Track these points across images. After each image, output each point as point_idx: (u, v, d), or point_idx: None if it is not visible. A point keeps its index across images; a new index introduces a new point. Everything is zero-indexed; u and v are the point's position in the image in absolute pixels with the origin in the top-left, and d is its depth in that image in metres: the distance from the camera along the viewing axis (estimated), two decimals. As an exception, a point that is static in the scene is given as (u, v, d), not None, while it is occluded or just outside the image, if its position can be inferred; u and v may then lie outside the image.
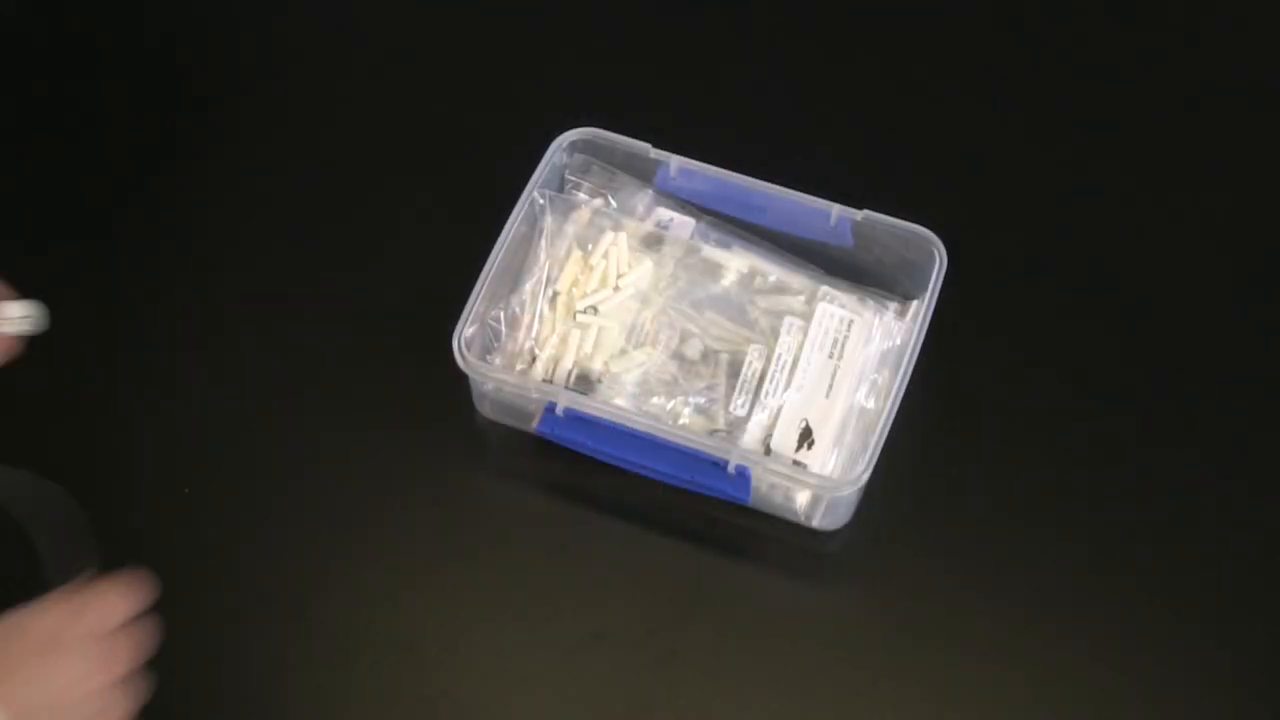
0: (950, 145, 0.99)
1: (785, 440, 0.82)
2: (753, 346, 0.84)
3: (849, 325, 0.84)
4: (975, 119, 1.00)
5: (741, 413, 0.83)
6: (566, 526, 0.85)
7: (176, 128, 0.99)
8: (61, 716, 0.63)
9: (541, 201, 0.86)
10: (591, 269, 0.86)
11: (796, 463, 0.81)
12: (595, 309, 0.85)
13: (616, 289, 0.85)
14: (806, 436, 0.82)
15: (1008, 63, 1.03)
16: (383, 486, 0.85)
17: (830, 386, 0.83)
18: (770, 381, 0.83)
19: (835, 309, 0.84)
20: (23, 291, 0.74)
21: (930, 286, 0.83)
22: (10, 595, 0.64)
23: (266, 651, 0.80)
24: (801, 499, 0.82)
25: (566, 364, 0.84)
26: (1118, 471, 0.85)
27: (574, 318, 0.84)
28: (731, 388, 0.83)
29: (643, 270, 0.86)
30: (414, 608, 0.81)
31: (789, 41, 1.04)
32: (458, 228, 0.83)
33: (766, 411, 0.82)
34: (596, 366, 0.84)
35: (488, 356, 0.84)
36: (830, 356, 0.83)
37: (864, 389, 0.83)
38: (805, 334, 0.84)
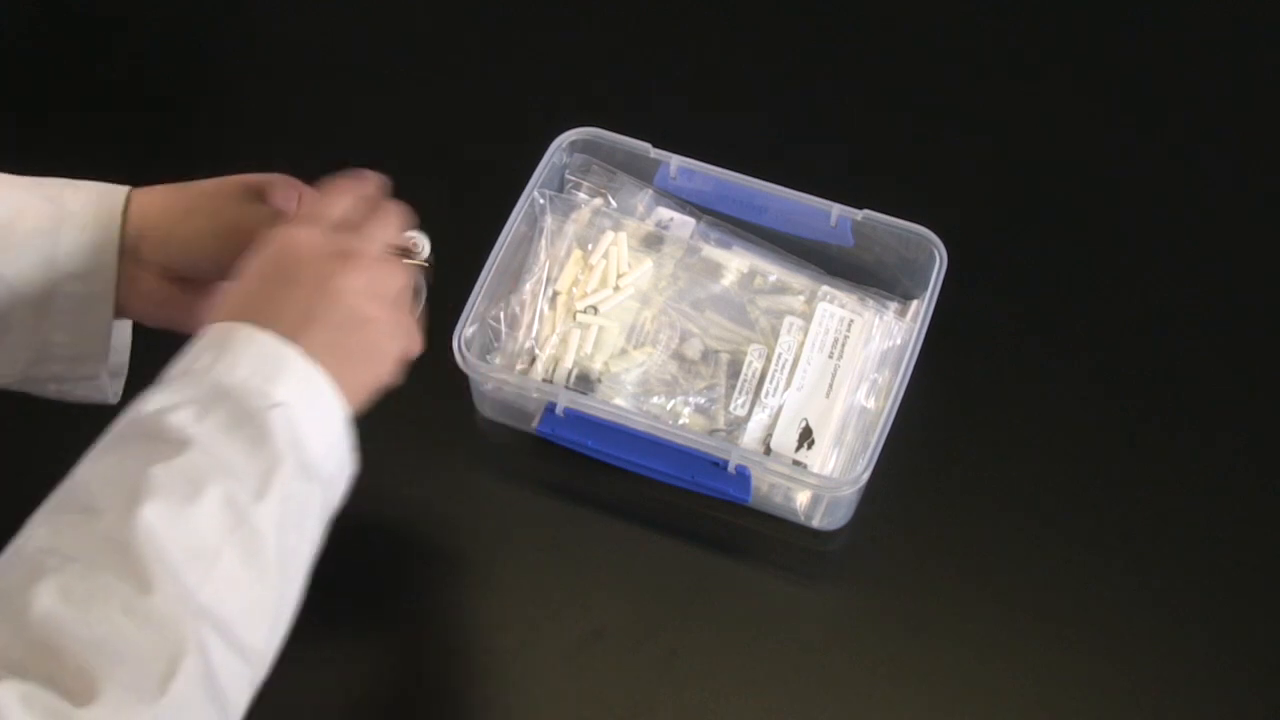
0: (951, 145, 0.99)
1: (785, 440, 0.82)
2: (753, 346, 0.84)
3: (849, 325, 0.84)
4: (975, 119, 1.00)
5: (741, 413, 0.83)
6: (566, 526, 0.85)
7: (176, 129, 0.99)
8: (358, 338, 0.62)
9: (541, 201, 0.86)
10: (591, 269, 0.86)
11: (796, 463, 0.81)
12: (595, 309, 0.85)
13: (617, 289, 0.85)
14: (806, 436, 0.82)
15: (1008, 63, 1.03)
16: (383, 486, 0.85)
17: (830, 386, 0.83)
18: (770, 381, 0.83)
19: (835, 309, 0.84)
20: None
21: (930, 286, 0.83)
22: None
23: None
24: (801, 499, 0.82)
25: (566, 364, 0.84)
26: (1118, 471, 0.85)
27: (574, 318, 0.84)
28: (731, 388, 0.83)
29: (643, 270, 0.86)
30: (413, 607, 0.81)
31: (789, 42, 1.04)
32: (458, 228, 0.83)
33: (766, 411, 0.82)
34: (596, 366, 0.84)
35: (488, 356, 0.84)
36: (830, 356, 0.83)
37: (864, 389, 0.83)
38: (805, 334, 0.84)
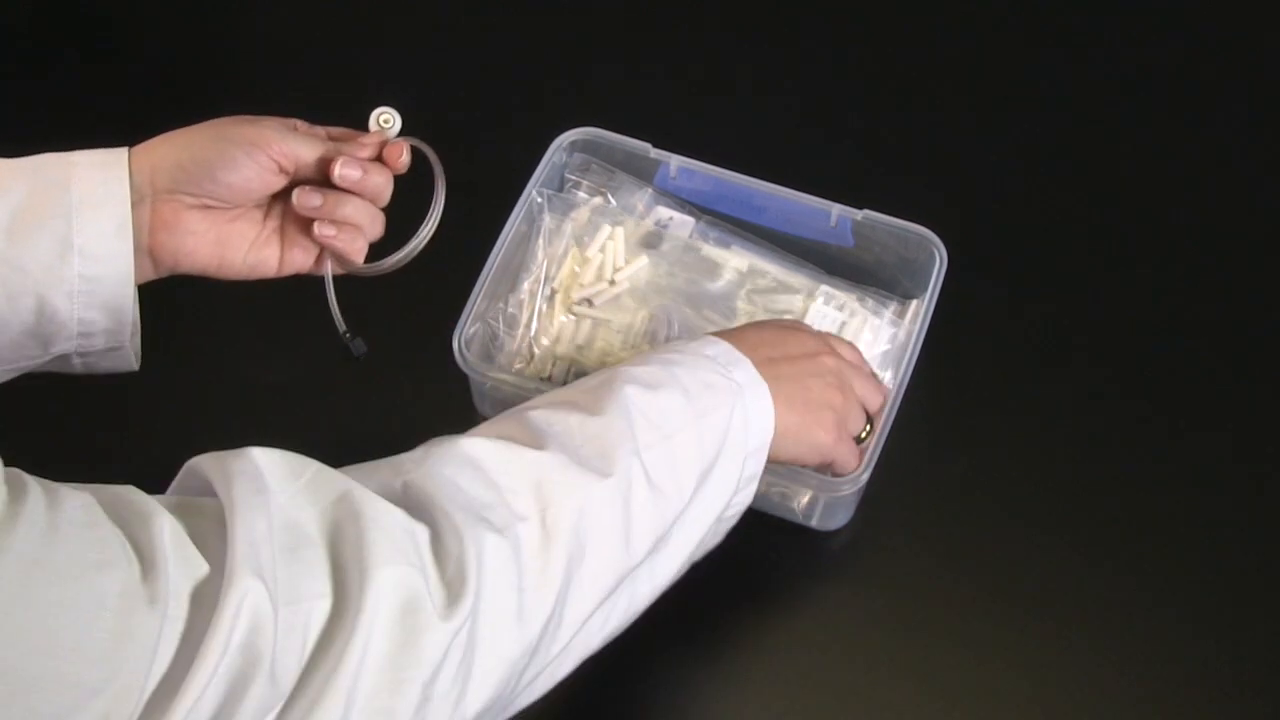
0: (951, 145, 0.99)
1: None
2: (752, 346, 0.84)
3: (841, 327, 0.84)
4: (976, 119, 1.00)
5: (741, 412, 0.83)
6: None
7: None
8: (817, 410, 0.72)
9: (540, 200, 0.86)
10: (588, 261, 0.86)
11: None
12: (590, 301, 0.85)
13: (612, 283, 0.85)
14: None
15: (1008, 63, 1.03)
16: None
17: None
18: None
19: (830, 309, 0.84)
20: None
21: (931, 286, 0.83)
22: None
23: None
24: (800, 499, 0.82)
25: (565, 362, 0.83)
26: (1118, 471, 0.85)
27: (570, 310, 0.84)
28: (731, 387, 0.83)
29: (638, 265, 0.86)
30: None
31: (790, 42, 1.04)
32: (458, 228, 0.83)
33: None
34: (595, 365, 0.84)
35: (488, 356, 0.84)
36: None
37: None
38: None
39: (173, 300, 0.92)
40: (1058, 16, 1.05)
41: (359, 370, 0.89)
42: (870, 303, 0.85)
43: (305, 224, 0.71)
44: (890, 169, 0.97)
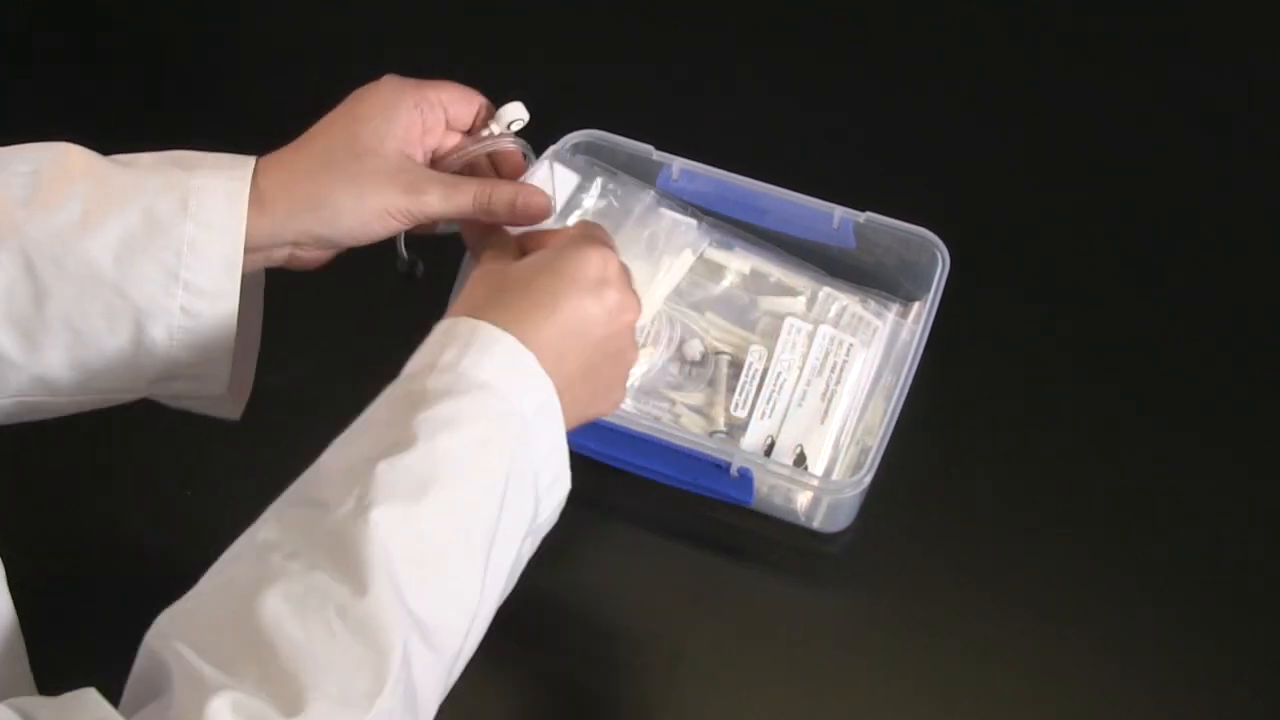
0: (954, 148, 0.99)
1: (787, 441, 0.82)
2: (753, 348, 0.84)
3: (849, 349, 0.84)
4: (979, 121, 1.00)
5: (742, 414, 0.83)
6: (567, 529, 0.84)
7: (176, 127, 0.98)
8: (588, 354, 0.63)
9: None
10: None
11: (797, 464, 0.81)
12: None
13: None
14: (808, 438, 0.82)
15: (1009, 65, 1.03)
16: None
17: (832, 388, 0.83)
18: (771, 382, 0.83)
19: (837, 332, 0.84)
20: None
21: (933, 288, 0.83)
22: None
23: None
24: (802, 500, 0.82)
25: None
26: (1119, 472, 0.85)
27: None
28: (732, 389, 0.83)
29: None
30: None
31: (791, 44, 1.04)
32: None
33: (767, 413, 0.82)
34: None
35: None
36: (831, 357, 0.83)
37: (866, 390, 0.83)
38: (806, 335, 0.84)
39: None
40: (1060, 18, 1.05)
41: (359, 374, 0.89)
42: (872, 305, 0.86)
43: None
44: (893, 171, 0.97)
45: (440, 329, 0.61)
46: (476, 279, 0.65)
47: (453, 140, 0.72)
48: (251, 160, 0.65)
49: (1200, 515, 0.84)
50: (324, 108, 0.72)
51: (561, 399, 0.61)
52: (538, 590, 0.82)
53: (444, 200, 0.67)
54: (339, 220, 0.65)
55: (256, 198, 0.64)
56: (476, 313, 0.61)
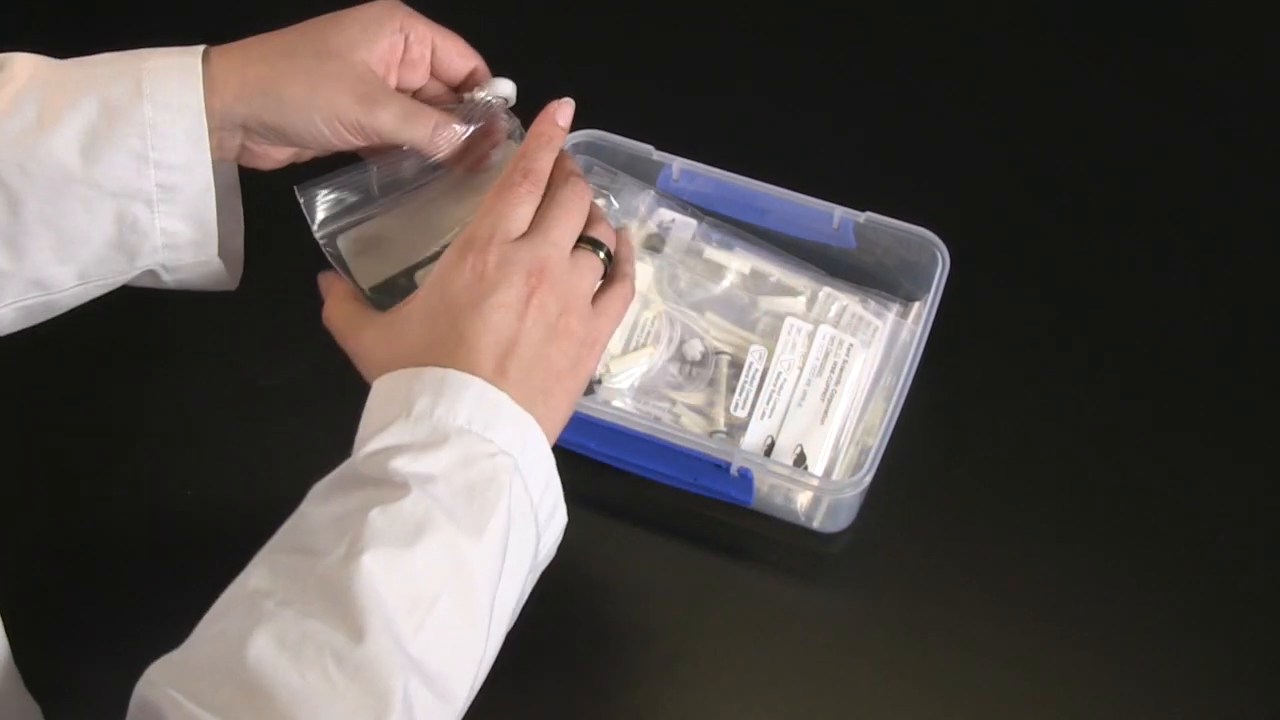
0: (953, 147, 0.99)
1: (787, 441, 0.82)
2: (754, 348, 0.84)
3: (847, 328, 0.84)
4: (978, 121, 1.00)
5: (742, 414, 0.83)
6: (568, 529, 0.84)
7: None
8: (555, 355, 0.61)
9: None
10: None
11: (797, 464, 0.81)
12: None
13: None
14: (808, 438, 0.82)
15: (1009, 65, 1.03)
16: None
17: (832, 388, 0.83)
18: (772, 382, 0.83)
19: (837, 333, 0.84)
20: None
21: (933, 288, 0.83)
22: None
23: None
24: (803, 500, 0.82)
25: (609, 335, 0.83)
26: (1119, 472, 0.85)
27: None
28: (732, 389, 0.83)
29: (641, 271, 0.86)
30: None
31: (792, 44, 1.04)
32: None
33: (768, 413, 0.82)
34: (597, 368, 0.84)
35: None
36: (831, 357, 0.83)
37: (866, 390, 0.83)
38: (807, 335, 0.84)
39: (173, 300, 0.92)
40: (1060, 19, 1.05)
41: (359, 373, 0.89)
42: (872, 305, 0.86)
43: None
44: (893, 171, 0.97)
45: (393, 379, 0.60)
46: (373, 348, 0.63)
47: (436, 89, 0.70)
48: (201, 45, 0.64)
49: (1200, 515, 0.84)
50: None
51: (534, 406, 0.60)
52: (538, 590, 0.82)
53: (399, 121, 0.65)
54: (285, 111, 0.64)
55: (208, 77, 0.63)
56: (421, 363, 0.59)
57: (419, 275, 0.69)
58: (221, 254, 0.67)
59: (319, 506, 0.57)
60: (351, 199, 0.69)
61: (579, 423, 0.80)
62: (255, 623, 0.52)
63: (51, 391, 0.88)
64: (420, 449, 0.57)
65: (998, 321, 0.90)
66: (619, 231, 0.66)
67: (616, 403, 0.83)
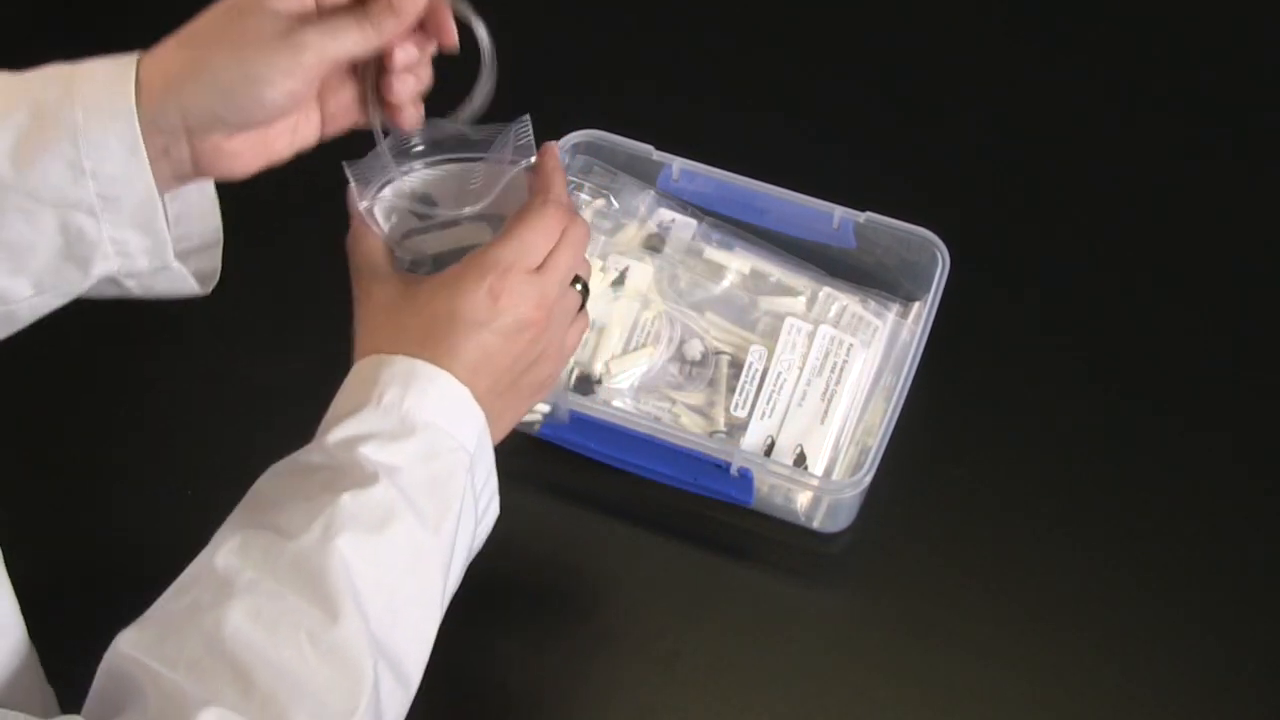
0: (953, 147, 0.99)
1: (787, 442, 0.82)
2: (754, 348, 0.84)
3: (847, 328, 0.84)
4: (978, 121, 1.00)
5: (742, 414, 0.83)
6: (568, 529, 0.85)
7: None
8: (503, 379, 0.64)
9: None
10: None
11: (797, 464, 0.81)
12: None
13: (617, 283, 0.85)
14: (808, 438, 0.82)
15: (1009, 65, 1.03)
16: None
17: (832, 388, 0.83)
18: (772, 382, 0.83)
19: (836, 332, 0.84)
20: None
21: (933, 288, 0.83)
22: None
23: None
24: (803, 500, 0.82)
25: (567, 365, 0.84)
26: (1119, 471, 0.85)
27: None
28: (732, 389, 0.83)
29: (641, 271, 0.86)
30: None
31: (791, 44, 1.04)
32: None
33: (768, 413, 0.82)
34: (597, 367, 0.84)
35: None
36: (831, 357, 0.83)
37: (866, 390, 0.83)
38: (807, 335, 0.84)
39: (173, 300, 0.92)
40: (1059, 19, 1.05)
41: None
42: (872, 305, 0.86)
43: (340, 81, 0.65)
44: (892, 171, 0.97)
45: (370, 365, 0.62)
46: (376, 309, 0.65)
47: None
48: (136, 52, 0.61)
49: (1200, 514, 0.84)
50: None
51: (492, 410, 0.63)
52: (538, 590, 0.82)
53: (324, 35, 0.60)
54: (217, 87, 0.60)
55: (140, 80, 0.59)
56: (394, 348, 0.62)
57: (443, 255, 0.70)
58: (191, 262, 0.66)
59: (284, 484, 0.59)
60: (396, 171, 0.69)
61: (579, 423, 0.80)
62: (229, 597, 0.53)
63: (52, 391, 0.88)
64: (388, 438, 0.59)
65: (998, 321, 0.90)
66: None
67: (616, 403, 0.83)
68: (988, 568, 0.82)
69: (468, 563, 0.64)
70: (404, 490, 0.58)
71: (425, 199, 0.70)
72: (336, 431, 0.60)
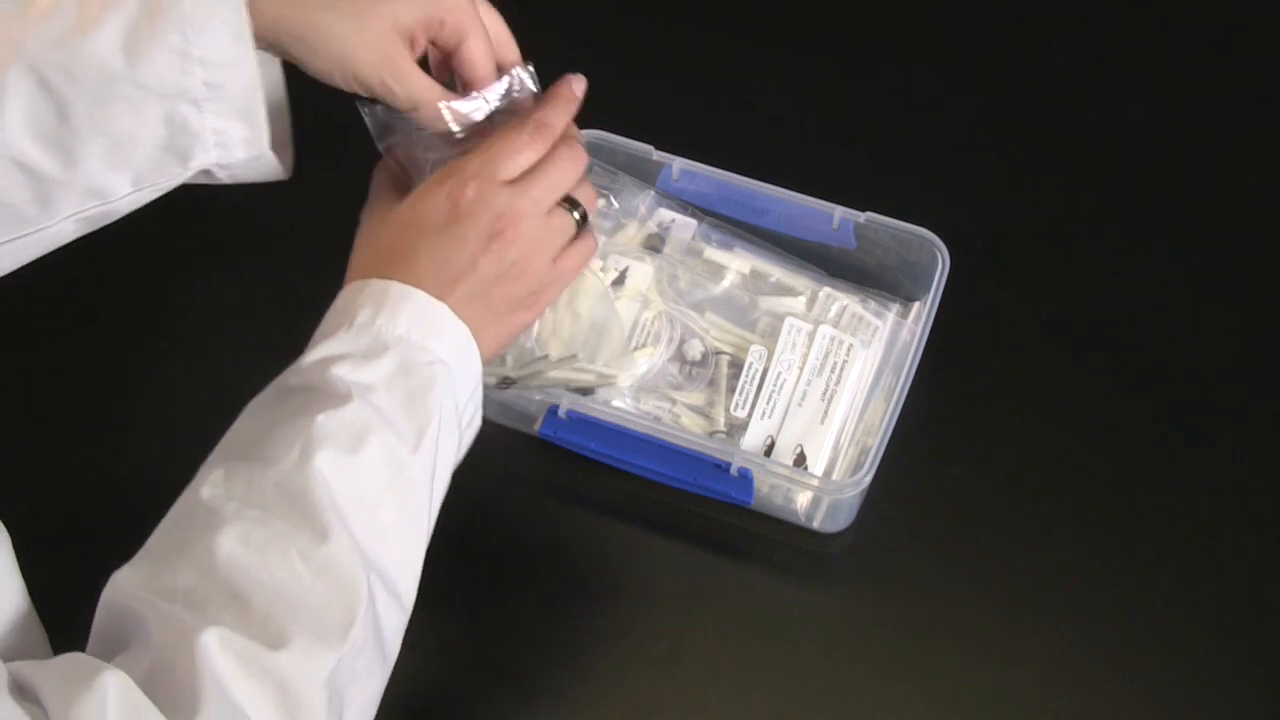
0: (953, 147, 0.99)
1: (787, 442, 0.82)
2: (754, 348, 0.84)
3: (847, 328, 0.84)
4: (978, 121, 1.00)
5: (742, 414, 0.83)
6: (568, 529, 0.85)
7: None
8: (508, 290, 0.65)
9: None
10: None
11: (797, 464, 0.81)
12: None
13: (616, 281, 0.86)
14: (808, 438, 0.82)
15: (1010, 65, 1.03)
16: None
17: (832, 388, 0.83)
18: (772, 382, 0.83)
19: (836, 332, 0.84)
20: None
21: (933, 288, 0.83)
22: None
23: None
24: (802, 500, 0.82)
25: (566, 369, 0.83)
26: (1119, 472, 0.85)
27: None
28: (732, 389, 0.83)
29: (641, 271, 0.86)
30: (414, 609, 0.81)
31: (792, 44, 1.04)
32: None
33: (768, 413, 0.82)
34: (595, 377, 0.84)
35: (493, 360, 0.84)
36: (831, 357, 0.84)
37: (866, 391, 0.83)
38: (807, 335, 0.84)
39: (173, 300, 0.92)
40: (1060, 19, 1.05)
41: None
42: (872, 305, 0.86)
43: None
44: (893, 172, 0.97)
45: (350, 290, 0.63)
46: (363, 234, 0.67)
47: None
48: None
49: (1200, 515, 0.84)
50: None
51: (473, 324, 0.63)
52: (538, 589, 0.82)
53: (407, 102, 0.66)
54: (309, 57, 0.64)
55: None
56: (375, 272, 0.63)
57: None
58: (272, 145, 0.66)
59: (262, 415, 0.60)
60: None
61: (579, 423, 0.80)
62: (217, 526, 0.55)
63: (52, 391, 0.88)
64: (361, 358, 0.60)
65: (997, 321, 0.90)
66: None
67: (616, 403, 0.83)
68: (987, 567, 0.82)
69: (450, 473, 0.64)
70: (379, 408, 0.59)
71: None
72: (311, 354, 0.61)
